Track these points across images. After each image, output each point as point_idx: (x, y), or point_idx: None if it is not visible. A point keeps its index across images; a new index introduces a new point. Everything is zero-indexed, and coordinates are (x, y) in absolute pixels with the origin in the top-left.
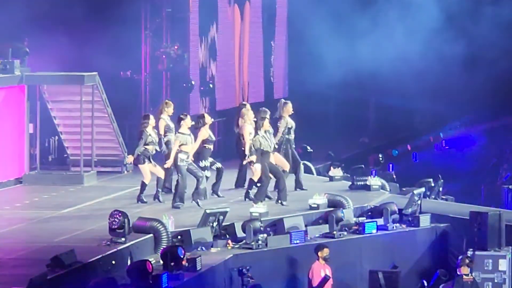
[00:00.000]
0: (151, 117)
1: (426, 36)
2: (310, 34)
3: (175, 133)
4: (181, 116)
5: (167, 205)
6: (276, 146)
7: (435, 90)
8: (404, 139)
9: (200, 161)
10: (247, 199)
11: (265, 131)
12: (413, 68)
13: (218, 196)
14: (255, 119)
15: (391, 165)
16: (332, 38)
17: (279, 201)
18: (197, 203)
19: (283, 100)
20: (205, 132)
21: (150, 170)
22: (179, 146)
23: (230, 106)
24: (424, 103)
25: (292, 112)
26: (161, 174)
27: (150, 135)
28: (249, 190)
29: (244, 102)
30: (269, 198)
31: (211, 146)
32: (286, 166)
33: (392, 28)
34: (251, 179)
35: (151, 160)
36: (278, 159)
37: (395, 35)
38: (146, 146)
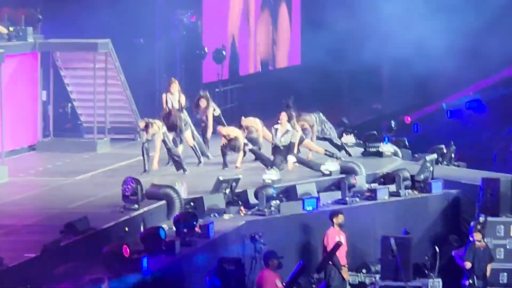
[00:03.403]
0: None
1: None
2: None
3: None
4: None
5: (180, 172)
6: None
7: (448, 56)
8: (417, 106)
9: None
10: None
11: None
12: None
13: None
14: None
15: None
16: (345, 5)
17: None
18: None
19: None
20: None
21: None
22: None
23: (245, 72)
24: (438, 69)
25: None
26: (190, 142)
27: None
28: None
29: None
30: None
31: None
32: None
33: None
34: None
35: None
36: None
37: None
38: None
